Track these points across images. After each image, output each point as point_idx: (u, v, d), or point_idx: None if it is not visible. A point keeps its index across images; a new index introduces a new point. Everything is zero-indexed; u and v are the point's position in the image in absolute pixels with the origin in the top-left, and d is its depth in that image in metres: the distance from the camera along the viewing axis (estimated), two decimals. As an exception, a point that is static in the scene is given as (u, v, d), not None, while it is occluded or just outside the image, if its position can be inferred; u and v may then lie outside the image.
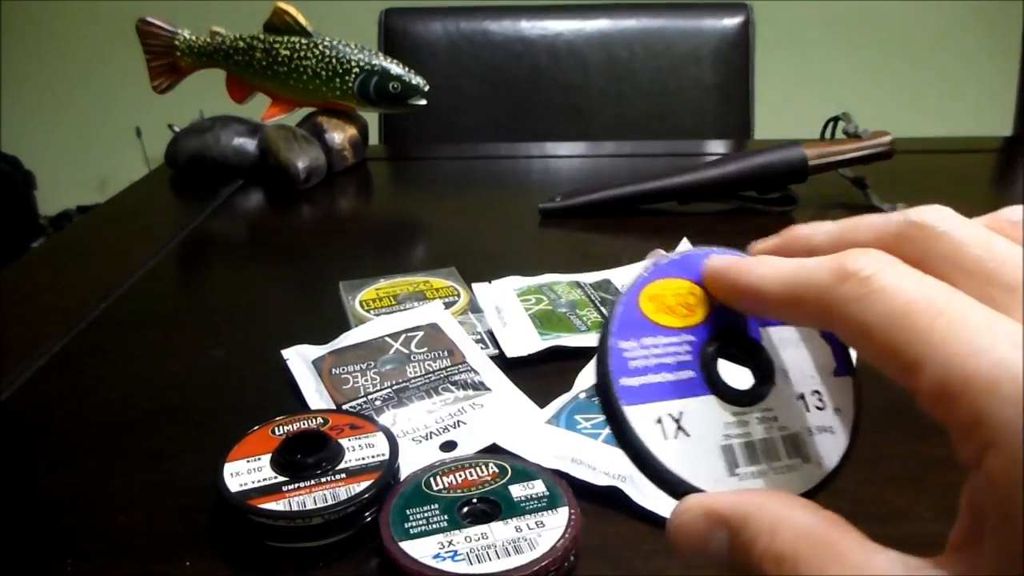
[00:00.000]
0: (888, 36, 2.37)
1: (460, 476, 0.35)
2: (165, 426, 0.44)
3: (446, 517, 0.33)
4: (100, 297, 0.59)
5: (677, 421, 0.23)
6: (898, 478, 0.38)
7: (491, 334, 0.50)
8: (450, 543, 0.32)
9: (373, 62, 0.82)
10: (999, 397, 0.17)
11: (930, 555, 0.18)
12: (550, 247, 0.68)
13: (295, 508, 0.33)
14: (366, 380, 0.45)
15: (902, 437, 0.40)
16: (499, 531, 0.32)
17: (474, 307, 0.54)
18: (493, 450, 0.39)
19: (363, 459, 0.36)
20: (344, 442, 0.37)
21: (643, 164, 0.91)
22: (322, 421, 0.38)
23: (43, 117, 2.60)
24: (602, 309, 0.52)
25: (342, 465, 0.36)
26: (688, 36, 1.22)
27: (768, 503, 0.20)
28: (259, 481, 0.35)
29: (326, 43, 0.82)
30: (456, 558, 0.31)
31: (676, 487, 0.23)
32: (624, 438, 0.23)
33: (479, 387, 0.44)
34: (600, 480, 0.36)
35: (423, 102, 0.84)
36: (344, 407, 0.42)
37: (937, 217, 0.20)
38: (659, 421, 0.23)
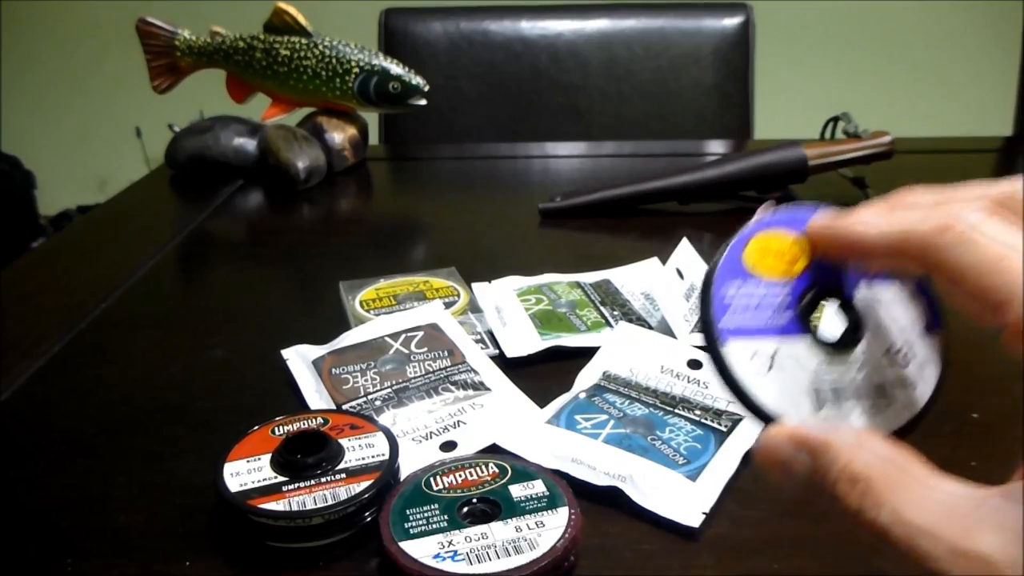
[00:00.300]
0: (888, 36, 2.37)
1: (460, 476, 0.35)
2: (165, 426, 0.43)
3: (446, 517, 0.33)
4: (100, 297, 0.59)
5: (771, 358, 0.25)
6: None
7: (491, 334, 0.50)
8: (450, 543, 0.32)
9: (373, 62, 0.82)
10: None
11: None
12: (550, 247, 0.68)
13: (295, 508, 0.33)
14: (366, 380, 0.45)
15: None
16: (499, 531, 0.32)
17: (474, 307, 0.54)
18: (493, 450, 0.39)
19: (363, 459, 0.36)
20: (344, 442, 0.37)
21: (643, 164, 0.91)
22: (322, 421, 0.38)
23: (43, 117, 2.60)
24: (602, 309, 0.52)
25: (342, 465, 0.36)
26: (688, 36, 1.22)
27: (848, 432, 0.22)
28: (259, 481, 0.35)
29: (326, 43, 0.82)
30: (456, 558, 0.31)
31: (766, 417, 0.25)
32: (721, 371, 0.25)
33: (479, 387, 0.44)
34: (600, 480, 0.36)
35: (423, 102, 0.84)
36: (344, 407, 0.42)
37: None
38: (754, 356, 0.25)
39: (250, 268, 0.66)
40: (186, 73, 0.88)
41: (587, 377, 0.45)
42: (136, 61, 0.88)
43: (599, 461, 0.37)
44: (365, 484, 0.34)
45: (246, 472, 0.35)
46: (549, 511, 0.33)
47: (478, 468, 0.36)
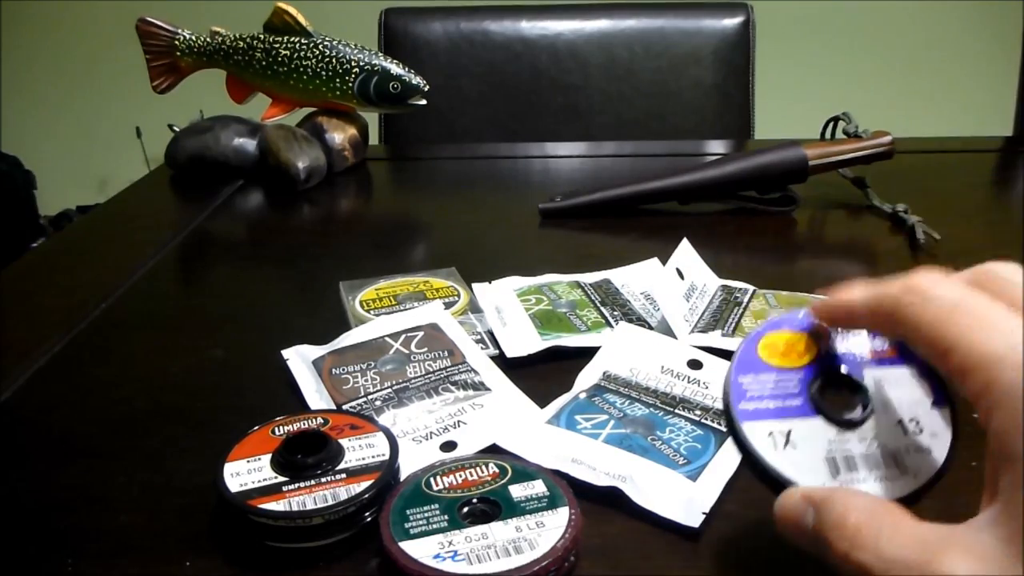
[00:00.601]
0: (888, 36, 2.37)
1: (460, 476, 0.35)
2: (165, 426, 0.43)
3: (446, 517, 0.33)
4: (100, 297, 0.59)
5: (786, 435, 0.29)
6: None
7: (491, 334, 0.50)
8: (450, 543, 0.32)
9: (373, 62, 0.82)
10: (1003, 366, 0.23)
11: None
12: (550, 247, 0.68)
13: (295, 508, 0.33)
14: (366, 380, 0.45)
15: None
16: (499, 531, 0.32)
17: (474, 307, 0.54)
18: (493, 450, 0.39)
19: (363, 459, 0.36)
20: (344, 442, 0.37)
21: (643, 164, 0.91)
22: (322, 421, 0.38)
23: (43, 117, 2.60)
24: (602, 309, 0.52)
25: (342, 465, 0.36)
26: (688, 36, 1.22)
27: (848, 491, 0.26)
28: (259, 481, 0.35)
29: (326, 43, 0.82)
30: (456, 558, 0.31)
31: (783, 487, 0.28)
32: (742, 448, 0.29)
33: (479, 387, 0.44)
34: (600, 480, 0.36)
35: (423, 102, 0.84)
36: (344, 407, 0.42)
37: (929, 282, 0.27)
38: (770, 435, 0.29)
39: (250, 268, 0.66)
40: (186, 73, 0.88)
41: (587, 377, 0.45)
42: (136, 61, 0.88)
43: (599, 461, 0.37)
44: (365, 484, 0.34)
45: (246, 472, 0.35)
46: (549, 511, 0.33)
47: (478, 468, 0.36)
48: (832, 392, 0.30)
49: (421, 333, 0.49)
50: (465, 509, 0.33)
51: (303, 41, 0.82)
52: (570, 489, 0.34)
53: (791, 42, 2.31)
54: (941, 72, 2.38)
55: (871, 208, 0.72)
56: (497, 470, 0.35)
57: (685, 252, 0.54)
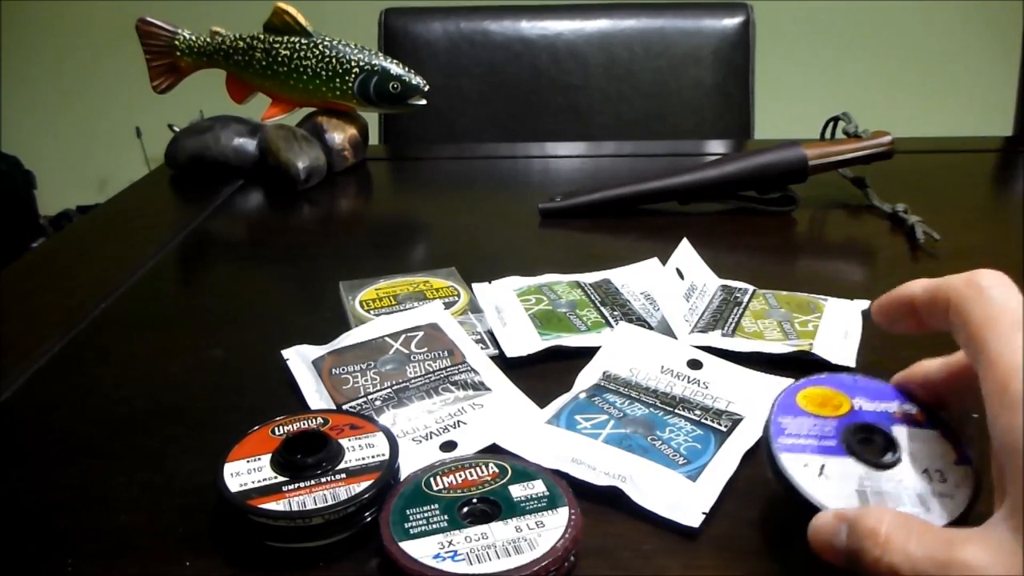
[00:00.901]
0: (888, 36, 2.37)
1: (460, 476, 0.35)
2: (165, 426, 0.43)
3: (446, 517, 0.33)
4: (100, 297, 0.59)
5: (820, 468, 0.31)
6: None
7: (491, 334, 0.50)
8: (450, 543, 0.32)
9: (373, 62, 0.82)
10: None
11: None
12: (550, 247, 0.68)
13: (295, 508, 0.33)
14: (366, 380, 0.45)
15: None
16: (499, 531, 0.32)
17: (474, 307, 0.54)
18: (493, 450, 0.39)
19: (363, 459, 0.36)
20: (344, 442, 0.37)
21: (643, 164, 0.91)
22: (322, 421, 0.38)
23: (43, 117, 2.60)
24: (602, 309, 0.52)
25: (342, 465, 0.36)
26: (688, 36, 1.22)
27: (879, 508, 0.29)
28: (259, 481, 0.35)
29: (326, 43, 0.82)
30: (456, 558, 0.31)
31: (815, 511, 0.30)
32: (777, 476, 0.31)
33: (479, 387, 0.44)
34: (600, 480, 0.36)
35: (423, 102, 0.84)
36: (344, 407, 0.42)
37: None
38: (806, 465, 0.31)
39: (250, 268, 0.66)
40: (186, 73, 0.88)
41: (587, 377, 0.45)
42: (136, 61, 0.88)
43: (599, 461, 0.37)
44: (365, 484, 0.34)
45: (246, 472, 0.35)
46: (549, 511, 0.33)
47: (478, 468, 0.36)
48: (864, 440, 0.32)
49: (421, 333, 0.49)
50: (465, 509, 0.33)
51: (303, 41, 0.82)
52: (570, 489, 0.34)
53: (791, 42, 2.31)
54: (941, 72, 2.38)
55: (871, 208, 0.72)
56: (497, 470, 0.35)
57: (685, 252, 0.54)
